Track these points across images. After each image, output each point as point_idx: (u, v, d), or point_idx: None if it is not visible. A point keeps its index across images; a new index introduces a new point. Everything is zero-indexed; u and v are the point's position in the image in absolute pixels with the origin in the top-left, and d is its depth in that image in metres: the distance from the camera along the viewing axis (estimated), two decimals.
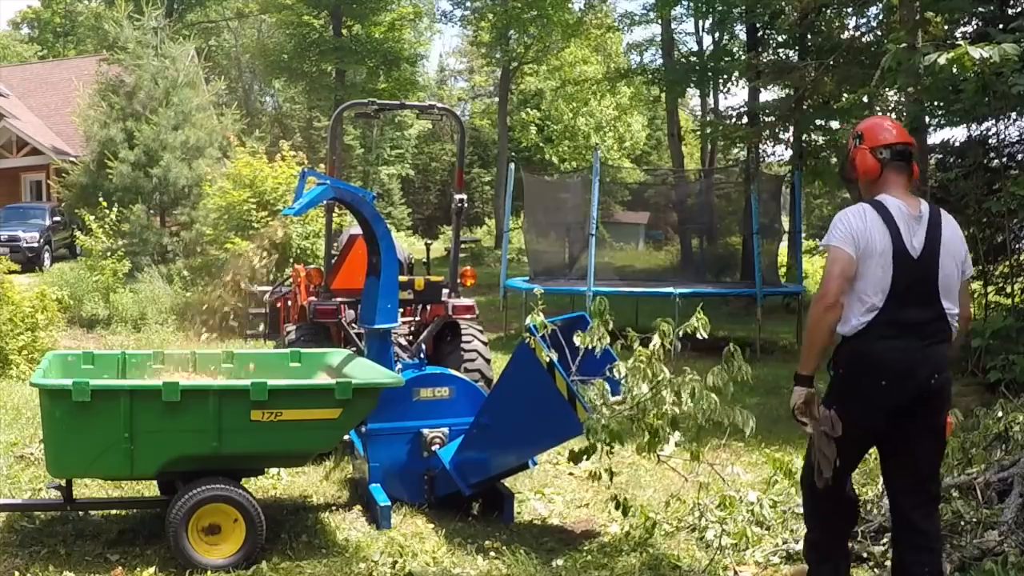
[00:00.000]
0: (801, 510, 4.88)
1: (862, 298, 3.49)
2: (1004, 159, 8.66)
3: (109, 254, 15.17)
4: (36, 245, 21.00)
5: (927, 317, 3.49)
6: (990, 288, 8.72)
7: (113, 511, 5.14)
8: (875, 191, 3.63)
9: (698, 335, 4.50)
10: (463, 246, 17.95)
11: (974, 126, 9.04)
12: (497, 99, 38.77)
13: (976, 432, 5.01)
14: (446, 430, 5.39)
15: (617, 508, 4.87)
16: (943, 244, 3.53)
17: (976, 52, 5.24)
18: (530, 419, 4.85)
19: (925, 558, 3.57)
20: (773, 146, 17.89)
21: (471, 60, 49.74)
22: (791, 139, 16.92)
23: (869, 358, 3.49)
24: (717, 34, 23.69)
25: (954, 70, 6.09)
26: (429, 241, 9.65)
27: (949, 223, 3.62)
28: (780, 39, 18.66)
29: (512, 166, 19.02)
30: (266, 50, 31.83)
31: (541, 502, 5.70)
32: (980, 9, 9.11)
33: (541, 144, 41.49)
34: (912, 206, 3.56)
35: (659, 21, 24.28)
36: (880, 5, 14.66)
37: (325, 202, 6.09)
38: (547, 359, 4.59)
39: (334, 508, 5.41)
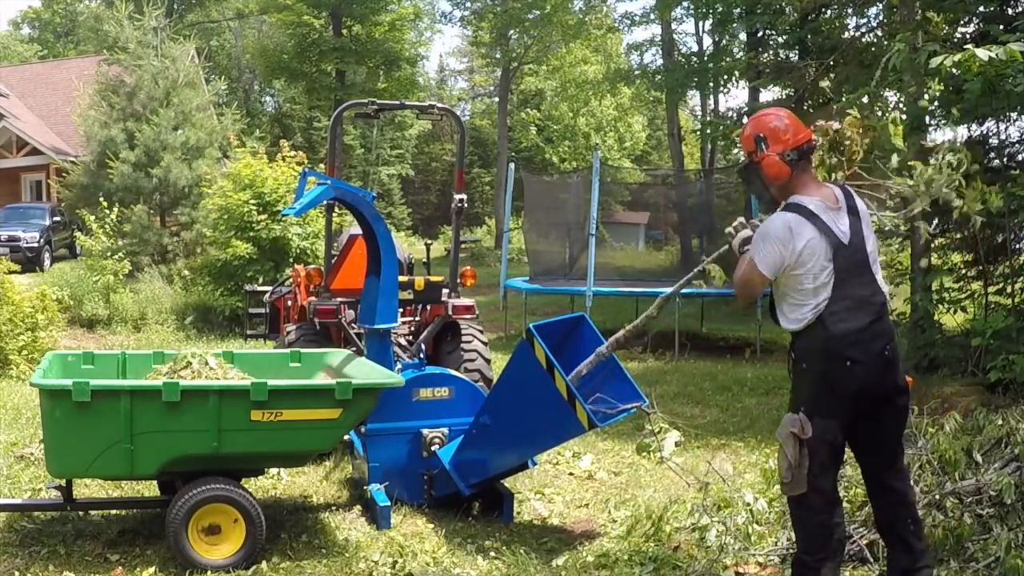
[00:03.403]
0: None
1: (810, 298, 3.58)
2: (1004, 159, 8.64)
3: (109, 254, 15.17)
4: (36, 245, 21.00)
5: (868, 294, 3.60)
6: (990, 288, 8.71)
7: (113, 511, 5.14)
8: (788, 191, 3.69)
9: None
10: (463, 246, 17.95)
11: (974, 126, 9.03)
12: (497, 99, 38.79)
13: (979, 437, 4.99)
14: (446, 430, 5.39)
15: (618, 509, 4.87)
16: (863, 224, 3.66)
17: (983, 54, 5.24)
18: (530, 419, 4.85)
19: (904, 513, 3.73)
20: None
21: (471, 60, 49.80)
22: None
23: (828, 343, 3.55)
24: (717, 35, 23.69)
25: (955, 72, 6.09)
26: (429, 241, 9.65)
27: (859, 198, 3.75)
28: (780, 39, 18.66)
29: (512, 166, 19.02)
30: (266, 50, 31.82)
31: (541, 502, 5.70)
32: (981, 9, 9.10)
33: (541, 144, 41.56)
34: (827, 198, 3.65)
35: (659, 22, 24.28)
36: (880, 5, 14.66)
37: (325, 202, 6.09)
38: (546, 359, 4.59)
39: (334, 508, 5.41)
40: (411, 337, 7.27)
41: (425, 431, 5.36)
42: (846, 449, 3.80)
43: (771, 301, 3.80)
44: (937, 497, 4.52)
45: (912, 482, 4.61)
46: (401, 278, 6.14)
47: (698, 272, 4.31)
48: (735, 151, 21.09)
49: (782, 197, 3.71)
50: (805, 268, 3.55)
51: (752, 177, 3.79)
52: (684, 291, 14.17)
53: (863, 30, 15.58)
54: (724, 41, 22.80)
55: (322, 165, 14.36)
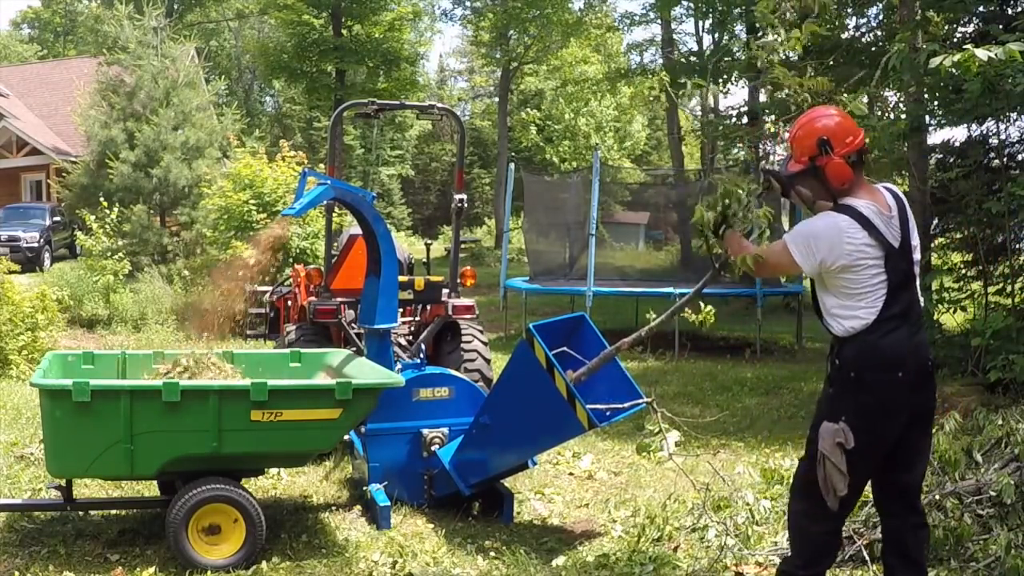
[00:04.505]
0: None
1: (860, 304, 3.46)
2: (1004, 159, 8.64)
3: (109, 254, 15.18)
4: (36, 245, 21.01)
5: (910, 303, 3.50)
6: (990, 288, 8.71)
7: (113, 511, 5.14)
8: (843, 195, 3.53)
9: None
10: (463, 246, 17.95)
11: (974, 126, 9.03)
12: (497, 99, 38.80)
13: (979, 437, 4.98)
14: (446, 430, 5.39)
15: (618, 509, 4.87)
16: (911, 231, 3.55)
17: (983, 54, 5.25)
18: (530, 419, 4.85)
19: (923, 535, 3.65)
20: (773, 146, 17.83)
21: (471, 60, 49.79)
22: None
23: (880, 353, 3.43)
24: (717, 34, 23.69)
25: (954, 71, 6.09)
26: (429, 241, 9.65)
27: (907, 205, 3.61)
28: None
29: (512, 166, 19.02)
30: (266, 50, 31.82)
31: (541, 502, 5.70)
32: (981, 9, 9.10)
33: (541, 144, 41.53)
34: (880, 202, 3.51)
35: (659, 21, 24.29)
36: (880, 5, 14.64)
37: (325, 202, 6.09)
38: (546, 358, 4.59)
39: (334, 508, 5.41)
40: (411, 337, 7.27)
41: (425, 431, 5.36)
42: None
43: (814, 299, 3.67)
44: (937, 497, 4.52)
45: None
46: (401, 278, 6.14)
47: (715, 273, 4.26)
48: (735, 151, 21.08)
49: (835, 200, 3.55)
50: (854, 273, 3.42)
51: (810, 182, 3.59)
52: (686, 291, 14.17)
53: (863, 30, 15.58)
54: (724, 40, 22.80)
55: (322, 165, 14.38)
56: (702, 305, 4.50)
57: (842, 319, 3.50)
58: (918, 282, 3.58)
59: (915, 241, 3.57)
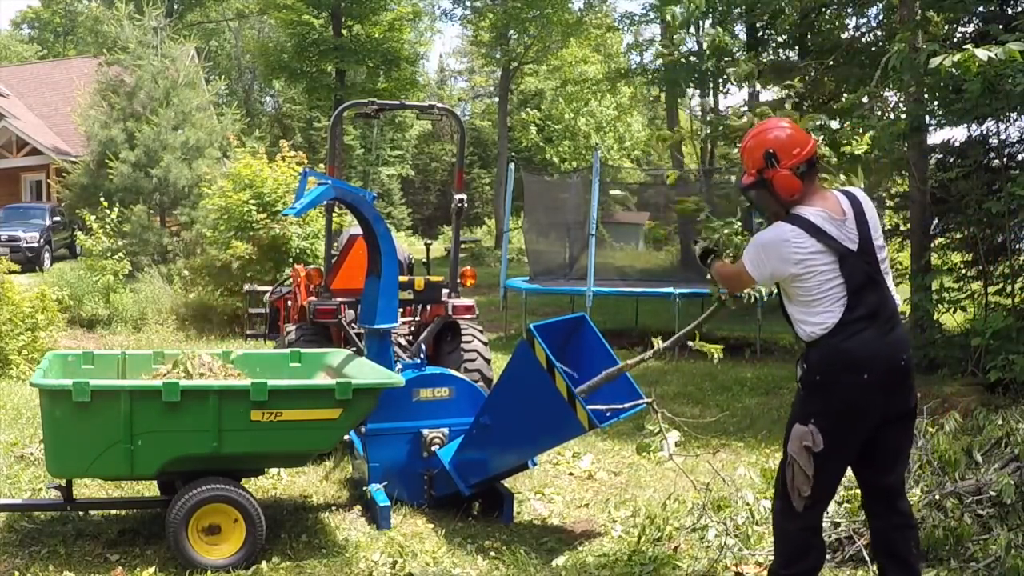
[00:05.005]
0: None
1: (820, 309, 3.48)
2: (1004, 159, 8.65)
3: (109, 254, 15.18)
4: (36, 245, 21.01)
5: (879, 303, 3.50)
6: (990, 288, 8.71)
7: (113, 511, 5.14)
8: (795, 204, 3.57)
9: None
10: (463, 246, 17.96)
11: (974, 126, 9.03)
12: (497, 99, 38.81)
13: (979, 437, 4.97)
14: (446, 430, 5.39)
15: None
16: (872, 230, 3.55)
17: (983, 54, 5.25)
18: (530, 419, 4.85)
19: (910, 535, 3.64)
20: None
21: (471, 60, 49.80)
22: None
23: (844, 355, 3.44)
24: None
25: (954, 71, 6.09)
26: (429, 241, 9.64)
27: (868, 205, 3.61)
28: (780, 39, 18.66)
29: (512, 166, 19.02)
30: (266, 50, 31.84)
31: (541, 502, 5.70)
32: (981, 9, 9.10)
33: (541, 144, 41.55)
34: (832, 208, 3.53)
35: (659, 21, 24.30)
36: (880, 5, 14.65)
37: (325, 202, 6.09)
38: (547, 359, 4.59)
39: (334, 508, 5.41)
40: (411, 337, 7.27)
41: (425, 431, 5.36)
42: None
43: (781, 306, 3.70)
44: (937, 497, 4.52)
45: (912, 482, 4.62)
46: (401, 278, 6.14)
47: (719, 306, 4.37)
48: (735, 150, 21.07)
49: (787, 209, 3.60)
50: (805, 280, 3.46)
51: (760, 193, 3.65)
52: (686, 291, 14.15)
53: (863, 30, 15.58)
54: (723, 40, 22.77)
55: (322, 165, 14.35)
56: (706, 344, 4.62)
57: (805, 325, 3.54)
58: (889, 279, 3.59)
59: (879, 241, 3.58)
